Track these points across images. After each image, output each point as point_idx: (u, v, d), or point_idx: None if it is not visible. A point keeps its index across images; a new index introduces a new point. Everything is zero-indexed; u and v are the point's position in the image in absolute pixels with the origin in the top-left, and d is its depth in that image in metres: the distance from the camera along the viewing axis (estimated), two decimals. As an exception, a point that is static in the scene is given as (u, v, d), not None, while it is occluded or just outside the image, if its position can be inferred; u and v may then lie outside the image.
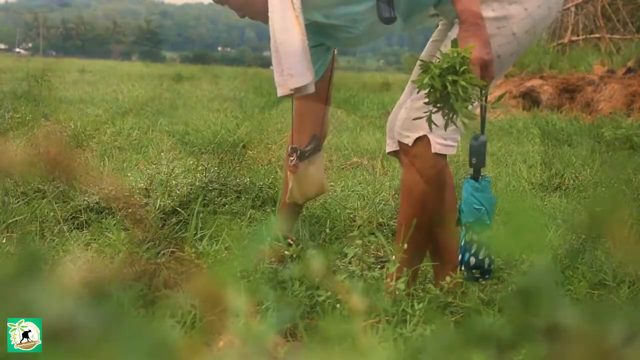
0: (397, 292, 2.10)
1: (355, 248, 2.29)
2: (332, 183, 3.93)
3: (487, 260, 2.10)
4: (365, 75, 28.58)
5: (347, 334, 0.67)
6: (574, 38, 12.79)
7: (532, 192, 4.20)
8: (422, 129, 2.25)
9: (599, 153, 5.95)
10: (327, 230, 2.95)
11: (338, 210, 3.30)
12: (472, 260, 2.09)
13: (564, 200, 3.89)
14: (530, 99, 9.97)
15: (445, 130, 2.08)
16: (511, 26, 2.25)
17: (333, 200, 3.47)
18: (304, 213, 3.23)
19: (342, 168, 5.07)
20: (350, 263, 2.33)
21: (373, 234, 2.81)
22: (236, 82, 17.96)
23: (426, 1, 2.34)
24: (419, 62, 2.24)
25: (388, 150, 2.47)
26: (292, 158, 2.60)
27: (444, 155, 2.29)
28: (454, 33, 2.29)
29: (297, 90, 2.26)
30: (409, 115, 2.30)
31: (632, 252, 0.69)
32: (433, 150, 2.25)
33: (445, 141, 2.26)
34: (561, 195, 4.09)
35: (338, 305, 1.95)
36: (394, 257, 2.17)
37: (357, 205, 3.49)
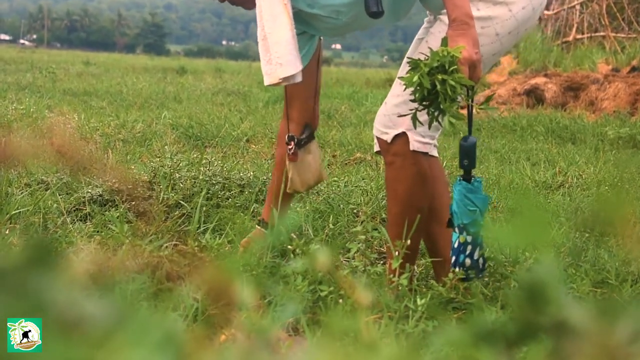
0: (400, 288, 2.10)
1: (359, 243, 2.29)
2: (335, 178, 3.93)
3: (481, 260, 2.11)
4: (369, 71, 28.56)
5: (349, 329, 0.67)
6: (579, 36, 12.76)
7: (535, 190, 4.19)
8: (401, 125, 2.24)
9: (603, 151, 5.95)
10: (331, 226, 2.95)
11: (341, 206, 3.30)
12: (468, 261, 2.09)
13: (567, 198, 3.88)
14: (534, 96, 9.95)
15: (429, 128, 2.08)
16: (495, 26, 2.25)
17: (336, 196, 3.47)
18: (307, 208, 3.23)
19: (346, 163, 5.07)
20: (353, 258, 2.33)
21: (376, 229, 2.81)
22: (240, 76, 17.96)
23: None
24: (406, 59, 2.24)
25: (376, 149, 2.46)
26: (290, 146, 2.59)
27: (425, 152, 2.29)
28: (436, 29, 2.30)
29: (286, 79, 2.25)
30: (387, 111, 2.29)
31: (635, 251, 0.68)
32: (411, 148, 2.25)
33: (424, 139, 2.25)
34: (564, 193, 4.08)
35: (341, 301, 1.95)
36: (396, 253, 2.17)
37: (361, 200, 3.49)
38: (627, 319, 0.47)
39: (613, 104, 9.05)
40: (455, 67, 1.92)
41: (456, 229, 2.09)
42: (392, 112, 2.27)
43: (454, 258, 2.11)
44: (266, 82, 2.28)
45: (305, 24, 2.45)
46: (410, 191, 2.27)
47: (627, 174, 4.51)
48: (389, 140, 2.27)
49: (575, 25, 12.93)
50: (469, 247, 2.08)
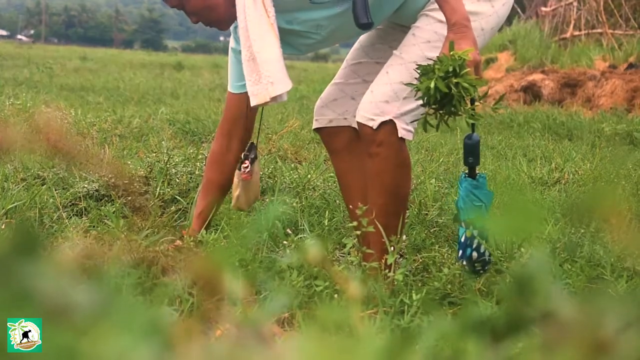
0: (395, 283, 2.10)
1: (354, 239, 2.29)
2: (331, 174, 3.93)
3: (487, 253, 2.14)
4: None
5: (344, 324, 0.67)
6: (576, 33, 12.75)
7: (531, 185, 4.20)
8: (388, 113, 2.25)
9: (599, 148, 5.95)
10: (326, 221, 2.95)
11: (337, 201, 3.30)
12: (475, 254, 2.12)
13: (563, 194, 3.89)
14: (531, 93, 9.96)
15: (437, 130, 2.10)
16: (480, 22, 2.31)
17: (332, 191, 3.48)
18: (303, 203, 3.24)
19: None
20: (348, 253, 2.33)
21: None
22: (237, 72, 17.91)
23: (387, 10, 2.38)
24: (406, 64, 2.27)
25: (315, 126, 2.60)
26: (245, 165, 2.58)
27: (408, 140, 2.31)
28: (422, 23, 2.33)
29: (274, 98, 2.24)
30: (374, 99, 2.29)
31: (631, 247, 0.69)
32: (399, 135, 2.25)
33: (408, 126, 2.27)
34: (561, 189, 4.09)
35: (336, 295, 1.96)
36: (392, 248, 2.18)
37: (357, 196, 3.48)
38: (614, 310, 0.47)
39: (610, 100, 9.05)
40: (466, 69, 1.96)
41: (462, 224, 2.12)
42: (380, 100, 2.26)
43: (460, 252, 2.14)
44: (253, 103, 2.26)
45: (280, 41, 2.41)
46: (396, 181, 2.28)
47: (624, 171, 4.51)
48: (374, 127, 2.26)
49: (573, 22, 12.93)
50: (476, 241, 2.12)
